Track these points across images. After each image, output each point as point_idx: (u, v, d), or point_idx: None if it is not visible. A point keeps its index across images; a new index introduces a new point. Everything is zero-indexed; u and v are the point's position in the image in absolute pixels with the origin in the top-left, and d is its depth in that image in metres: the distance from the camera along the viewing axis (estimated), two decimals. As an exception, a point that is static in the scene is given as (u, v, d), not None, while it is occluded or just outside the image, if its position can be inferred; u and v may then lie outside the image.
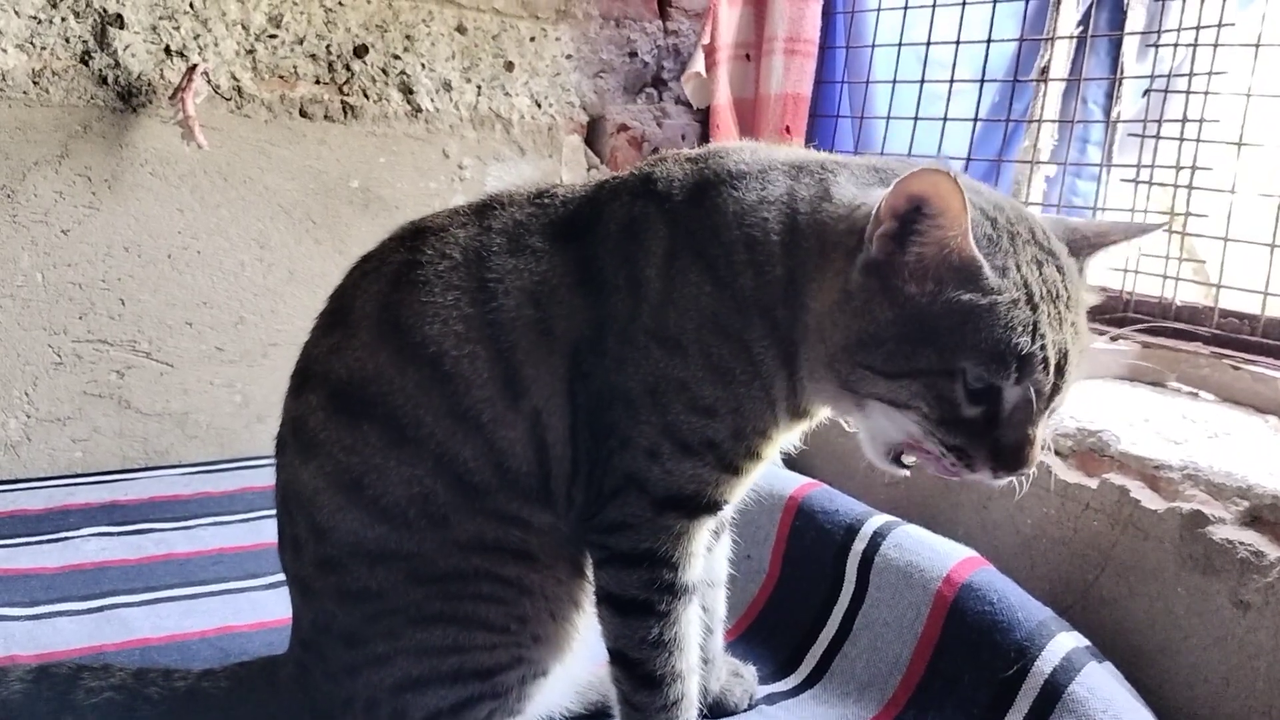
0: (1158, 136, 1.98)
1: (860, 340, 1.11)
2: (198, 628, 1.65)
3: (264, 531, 1.99)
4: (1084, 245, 1.20)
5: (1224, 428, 1.68)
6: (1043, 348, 1.08)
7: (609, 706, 1.39)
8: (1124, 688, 1.38)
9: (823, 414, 1.28)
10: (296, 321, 2.38)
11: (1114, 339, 2.00)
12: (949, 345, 1.07)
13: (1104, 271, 2.10)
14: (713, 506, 1.23)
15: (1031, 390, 1.09)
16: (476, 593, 1.24)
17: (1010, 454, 1.11)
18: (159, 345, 2.31)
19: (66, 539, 1.93)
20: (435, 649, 1.24)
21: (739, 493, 1.27)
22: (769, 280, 1.17)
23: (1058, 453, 1.65)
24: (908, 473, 1.22)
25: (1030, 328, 1.07)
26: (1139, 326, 1.93)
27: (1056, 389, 1.11)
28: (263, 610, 1.70)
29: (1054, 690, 1.35)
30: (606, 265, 1.21)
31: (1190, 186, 1.91)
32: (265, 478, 2.22)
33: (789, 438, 1.29)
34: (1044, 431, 1.13)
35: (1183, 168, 1.92)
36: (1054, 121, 2.23)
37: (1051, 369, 1.09)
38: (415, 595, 1.23)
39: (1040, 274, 1.10)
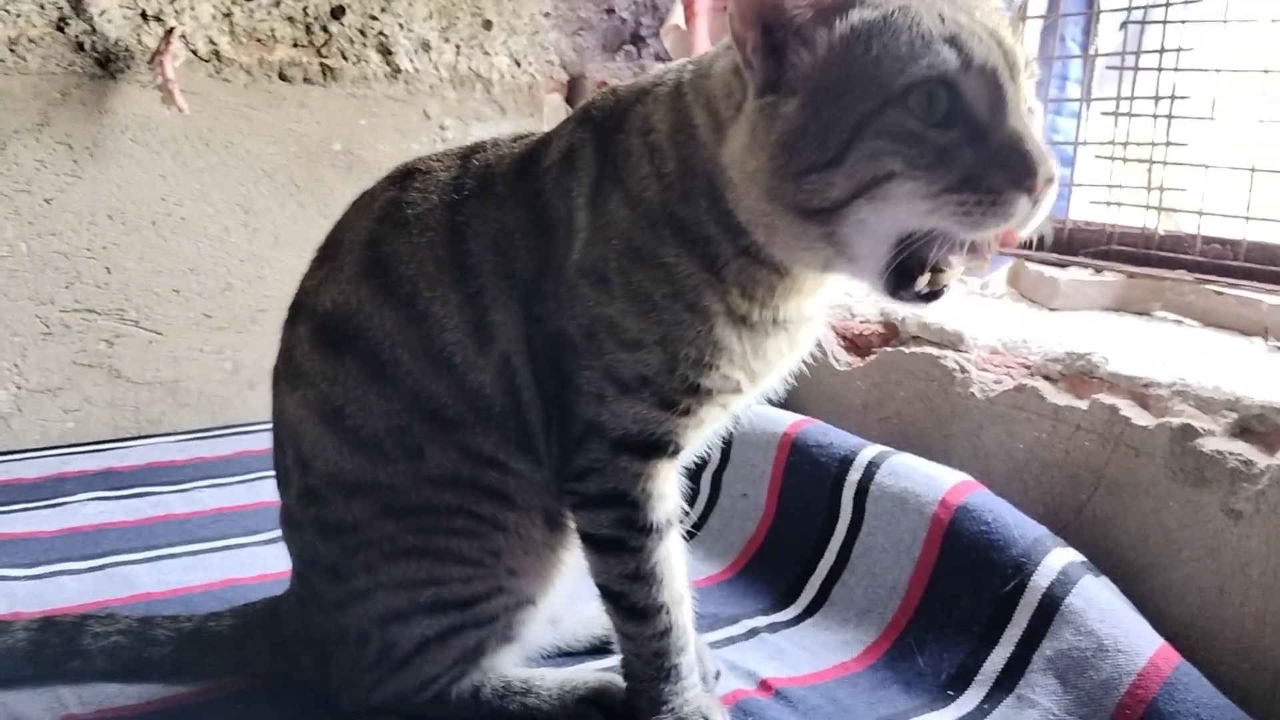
0: (1136, 68, 2.00)
1: (783, 145, 1.01)
2: (201, 581, 1.66)
3: (263, 491, 1.99)
4: None
5: (1209, 348, 1.70)
6: (959, 25, 0.98)
7: (609, 642, 1.41)
8: (1120, 599, 1.40)
9: (799, 308, 1.19)
10: (284, 286, 2.34)
11: (1098, 271, 2.02)
12: (872, 78, 0.97)
13: (1085, 205, 2.12)
14: (662, 448, 1.20)
15: (988, 73, 0.97)
16: (450, 527, 1.25)
17: (1015, 155, 0.96)
18: (147, 313, 2.31)
19: (63, 504, 1.93)
20: (411, 582, 1.25)
21: (695, 435, 1.23)
22: (669, 181, 1.13)
23: (1046, 377, 1.67)
24: (927, 304, 1.05)
25: (937, 16, 0.98)
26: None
27: (1012, 67, 0.99)
28: (265, 564, 1.71)
29: (1052, 603, 1.38)
30: (551, 200, 1.20)
31: (1170, 116, 1.93)
32: (260, 442, 2.23)
33: (763, 361, 1.20)
34: (1037, 132, 1.00)
35: (1161, 98, 1.93)
36: (1033, 59, 2.23)
37: (990, 42, 0.98)
38: (388, 528, 1.24)
39: None
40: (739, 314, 1.15)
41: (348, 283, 1.25)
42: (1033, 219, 1.00)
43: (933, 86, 0.96)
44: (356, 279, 1.25)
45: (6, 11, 2.10)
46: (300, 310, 1.31)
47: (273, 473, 2.01)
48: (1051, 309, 2.00)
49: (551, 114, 2.72)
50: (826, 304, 1.25)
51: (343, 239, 1.30)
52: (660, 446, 1.20)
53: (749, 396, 1.25)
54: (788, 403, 1.89)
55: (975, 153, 0.97)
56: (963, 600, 1.46)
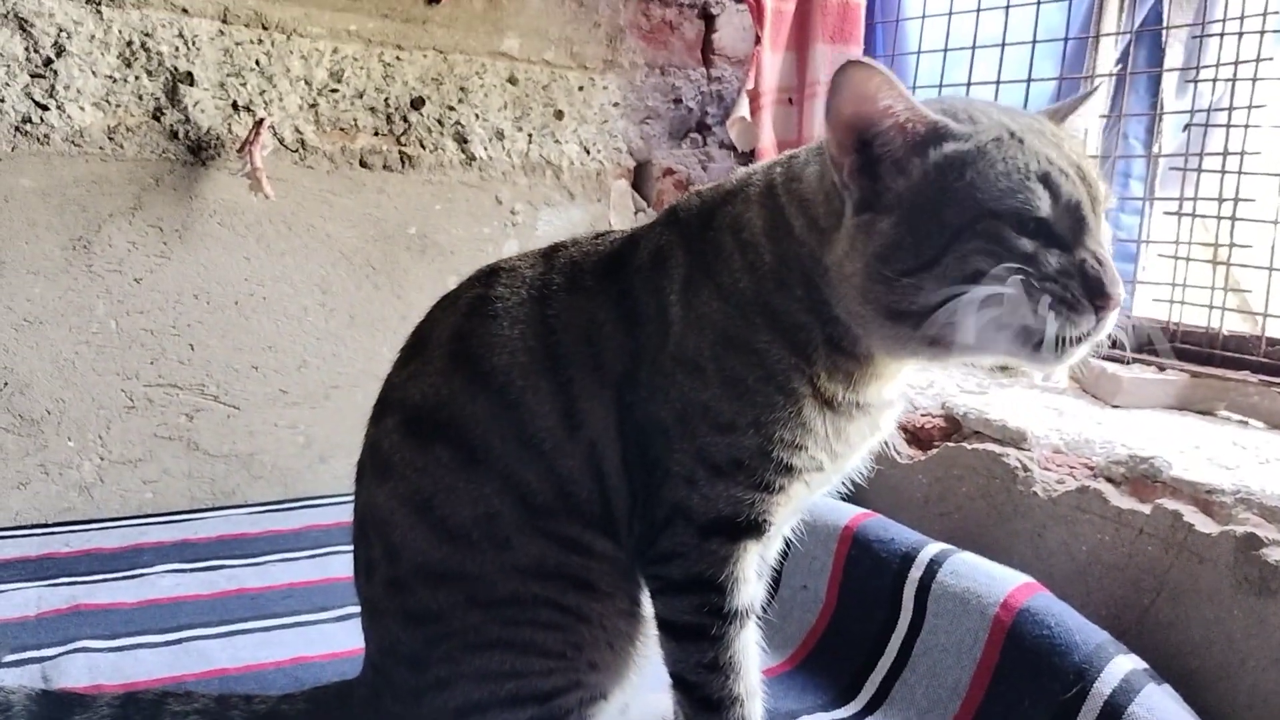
0: (1199, 170, 2.02)
1: (880, 256, 1.10)
2: (273, 658, 1.71)
3: (331, 567, 2.05)
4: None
5: (1275, 453, 1.70)
6: (1050, 161, 1.08)
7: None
8: (1183, 709, 1.40)
9: (879, 393, 1.24)
10: (357, 364, 2.46)
11: (1162, 369, 2.02)
12: (968, 197, 1.07)
13: (1149, 303, 2.13)
14: (755, 528, 1.24)
15: (1073, 207, 1.08)
16: (534, 619, 1.28)
17: (1092, 275, 1.07)
18: (226, 388, 2.39)
19: (142, 575, 1.99)
20: (493, 674, 1.28)
21: (783, 514, 1.27)
22: (762, 274, 1.21)
23: (1110, 479, 1.68)
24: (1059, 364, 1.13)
25: (1032, 153, 1.09)
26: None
27: (1094, 200, 1.10)
28: (334, 642, 1.75)
29: (1113, 711, 1.37)
30: (641, 297, 1.27)
31: (1233, 218, 1.95)
32: (329, 516, 2.30)
33: (847, 444, 1.25)
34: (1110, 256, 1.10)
35: (1225, 200, 1.95)
36: (1096, 157, 2.27)
37: (1075, 178, 1.09)
38: (474, 619, 1.27)
39: (1010, 119, 1.13)
40: (825, 397, 1.21)
41: (438, 375, 1.31)
42: (1097, 334, 1.10)
43: (1025, 219, 1.07)
44: (447, 371, 1.30)
45: (107, 102, 2.22)
46: (387, 405, 1.36)
47: (340, 548, 2.08)
48: (1114, 406, 2.00)
49: (618, 199, 2.79)
50: (904, 388, 1.31)
51: (429, 336, 1.35)
52: (754, 526, 1.23)
53: (832, 475, 1.30)
54: (850, 495, 1.91)
55: (1058, 266, 1.07)
56: (1024, 704, 1.46)
